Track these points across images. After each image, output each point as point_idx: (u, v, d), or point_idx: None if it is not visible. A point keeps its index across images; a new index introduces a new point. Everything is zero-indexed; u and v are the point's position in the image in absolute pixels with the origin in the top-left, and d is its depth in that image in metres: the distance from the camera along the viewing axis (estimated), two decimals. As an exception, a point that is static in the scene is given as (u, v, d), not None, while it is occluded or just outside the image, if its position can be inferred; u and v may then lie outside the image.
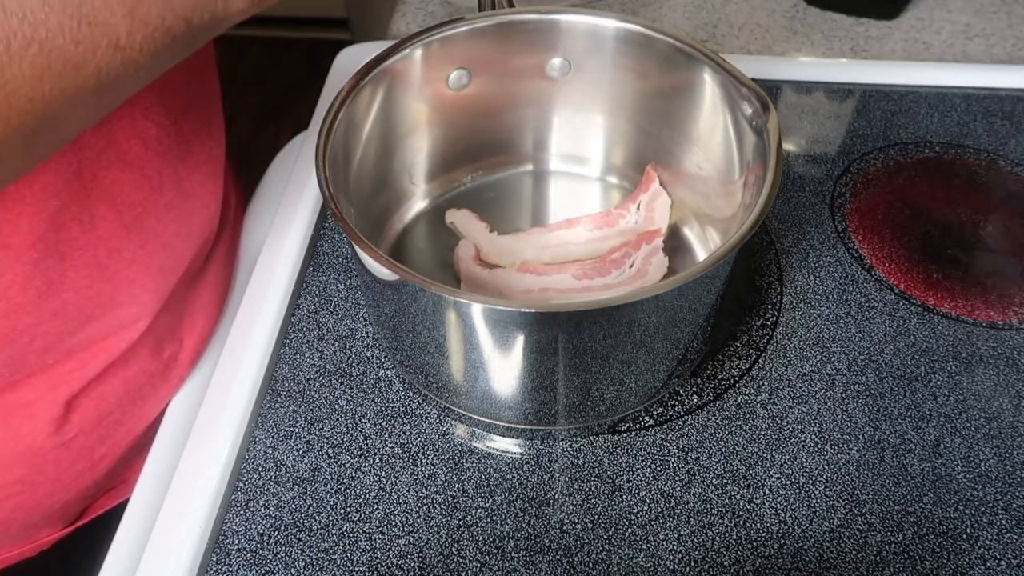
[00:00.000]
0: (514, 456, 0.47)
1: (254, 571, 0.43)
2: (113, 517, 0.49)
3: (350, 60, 0.70)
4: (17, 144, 0.30)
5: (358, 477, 0.46)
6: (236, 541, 0.44)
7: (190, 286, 0.55)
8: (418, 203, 0.58)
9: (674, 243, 0.55)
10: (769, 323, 0.53)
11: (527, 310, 0.39)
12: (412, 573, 0.43)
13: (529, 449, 0.48)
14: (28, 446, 0.47)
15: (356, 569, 0.43)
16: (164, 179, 0.48)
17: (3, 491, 0.48)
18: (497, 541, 0.44)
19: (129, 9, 0.30)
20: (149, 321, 0.50)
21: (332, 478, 0.46)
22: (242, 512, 0.45)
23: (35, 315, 0.43)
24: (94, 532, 0.55)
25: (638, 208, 0.56)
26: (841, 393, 0.50)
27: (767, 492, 0.46)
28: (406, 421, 0.49)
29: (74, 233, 0.43)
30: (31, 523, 0.51)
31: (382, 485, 0.46)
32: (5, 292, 0.41)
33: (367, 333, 0.53)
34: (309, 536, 0.44)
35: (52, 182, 0.40)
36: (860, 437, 0.48)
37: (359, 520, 0.45)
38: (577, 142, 0.59)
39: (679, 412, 0.49)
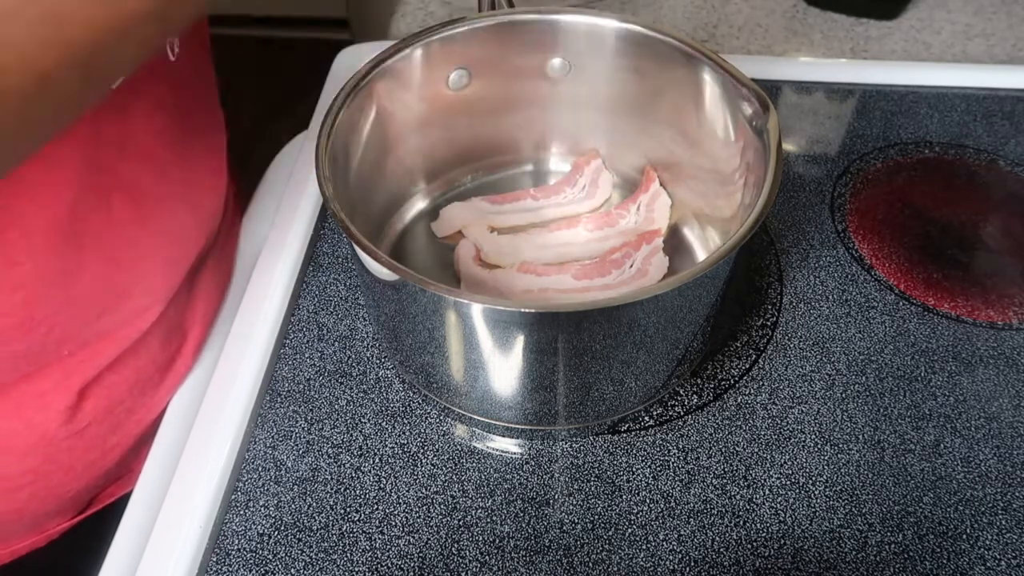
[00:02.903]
0: (514, 456, 0.47)
1: (254, 571, 0.43)
2: (120, 507, 0.49)
3: (350, 60, 0.70)
4: (74, 79, 0.30)
5: (358, 477, 0.46)
6: (236, 541, 0.44)
7: (193, 278, 0.55)
8: (418, 203, 0.58)
9: (674, 243, 0.55)
10: (769, 323, 0.53)
11: (527, 310, 0.39)
12: (412, 573, 0.43)
13: (529, 449, 0.48)
14: (42, 436, 0.47)
15: (356, 569, 0.43)
16: (174, 169, 0.49)
17: (17, 481, 0.48)
18: (497, 541, 0.44)
19: None
20: (160, 311, 0.50)
21: (332, 478, 0.46)
22: (242, 512, 0.45)
23: (53, 305, 0.43)
24: (102, 522, 0.55)
25: (638, 208, 0.56)
26: (841, 393, 0.50)
27: (767, 492, 0.46)
28: (406, 421, 0.49)
29: (91, 223, 0.43)
30: (43, 512, 0.51)
31: (382, 485, 0.46)
32: (24, 282, 0.41)
33: (367, 333, 0.53)
34: (309, 536, 0.44)
35: (70, 172, 0.41)
36: (860, 437, 0.48)
37: (359, 520, 0.45)
38: (577, 142, 0.59)
39: (679, 412, 0.49)
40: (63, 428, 0.48)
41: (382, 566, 0.43)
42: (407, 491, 0.46)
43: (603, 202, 0.57)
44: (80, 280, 0.44)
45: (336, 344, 0.52)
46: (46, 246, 0.41)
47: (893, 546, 0.44)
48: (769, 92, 0.45)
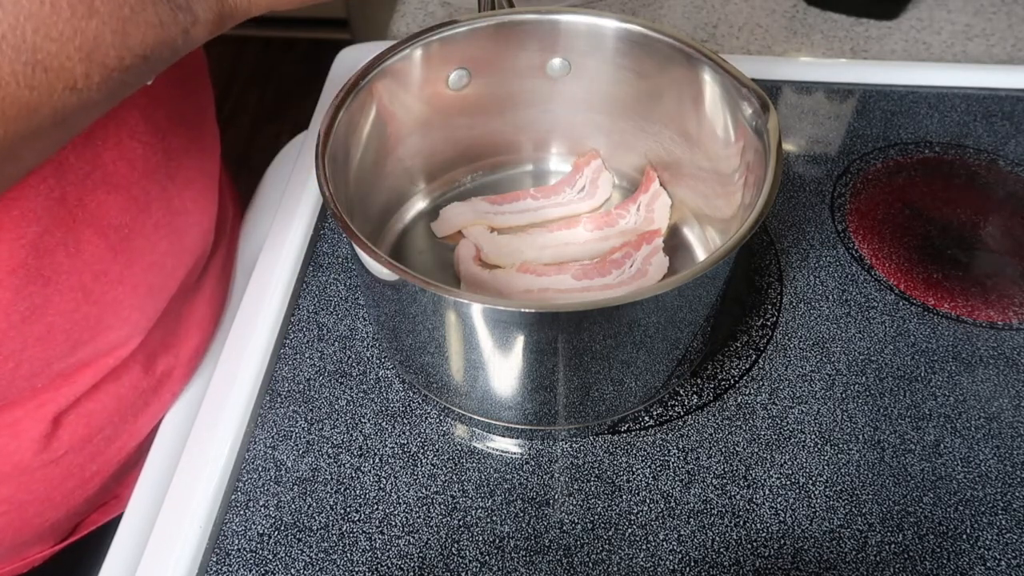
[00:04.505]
0: (514, 456, 0.47)
1: (254, 571, 0.43)
2: (106, 532, 0.48)
3: (350, 60, 0.70)
4: None
5: (358, 477, 0.46)
6: (236, 541, 0.44)
7: (184, 300, 0.54)
8: (418, 203, 0.58)
9: (674, 243, 0.55)
10: (769, 323, 0.53)
11: (527, 310, 0.39)
12: (412, 573, 0.43)
13: (529, 449, 0.48)
14: (15, 464, 0.46)
15: (356, 569, 0.43)
16: (152, 199, 0.47)
17: None
18: (497, 541, 0.44)
19: (86, 53, 0.29)
20: (140, 339, 0.49)
21: (332, 478, 0.46)
22: (242, 512, 0.45)
23: (20, 341, 0.42)
24: (86, 547, 0.53)
25: (638, 208, 0.56)
26: (841, 393, 0.50)
27: (767, 492, 0.46)
28: (406, 421, 0.49)
29: (58, 258, 0.42)
30: (21, 541, 0.50)
31: (382, 485, 0.46)
32: None
33: (367, 333, 0.53)
34: (309, 536, 0.44)
35: (33, 208, 0.39)
36: (860, 437, 0.48)
37: (359, 520, 0.45)
38: (577, 142, 0.59)
39: (679, 412, 0.49)
40: (38, 456, 0.47)
41: (382, 566, 0.43)
42: (407, 491, 0.46)
43: (603, 202, 0.57)
44: (48, 315, 0.43)
45: (336, 344, 0.52)
46: (9, 284, 0.40)
47: (893, 546, 0.44)
48: (769, 92, 0.45)
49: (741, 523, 0.45)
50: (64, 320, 0.44)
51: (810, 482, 0.46)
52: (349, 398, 0.50)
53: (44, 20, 0.28)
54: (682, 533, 0.44)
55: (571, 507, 0.45)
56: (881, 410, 0.49)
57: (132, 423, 0.52)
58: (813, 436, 0.48)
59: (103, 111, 0.33)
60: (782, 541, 0.44)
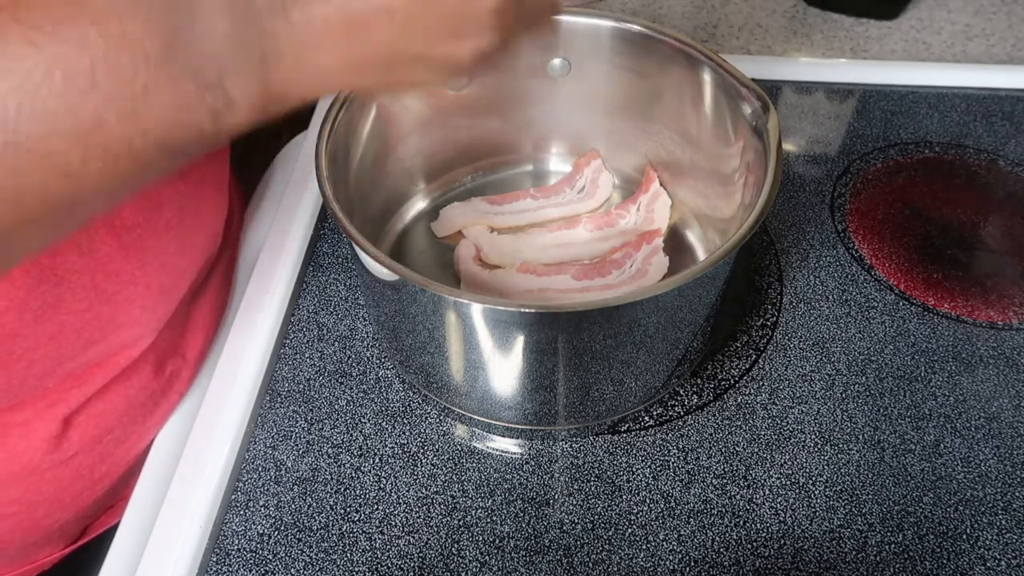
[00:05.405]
0: (514, 456, 0.47)
1: (254, 571, 0.43)
2: (113, 535, 0.48)
3: (350, 60, 0.70)
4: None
5: (358, 477, 0.46)
6: (236, 541, 0.44)
7: (191, 302, 0.54)
8: (418, 203, 0.58)
9: (674, 243, 0.55)
10: (769, 323, 0.53)
11: (527, 310, 0.39)
12: (412, 573, 0.43)
13: (529, 449, 0.48)
14: (25, 465, 0.46)
15: (356, 569, 0.43)
16: (164, 200, 0.47)
17: (0, 511, 0.47)
18: (497, 541, 0.44)
19: (79, 137, 0.26)
20: (150, 340, 0.49)
21: (332, 478, 0.46)
22: (242, 512, 0.45)
23: (32, 340, 0.42)
24: (94, 551, 0.53)
25: (638, 208, 0.56)
26: (841, 393, 0.50)
27: (767, 492, 0.46)
28: (406, 421, 0.49)
29: (71, 257, 0.42)
30: (30, 543, 0.50)
31: (382, 485, 0.46)
32: (0, 318, 0.40)
33: (367, 333, 0.53)
34: (309, 536, 0.44)
35: None
36: (860, 437, 0.48)
37: (359, 520, 0.45)
38: (577, 142, 0.59)
39: (679, 412, 0.49)
40: (48, 457, 0.46)
41: (382, 566, 0.43)
42: (407, 491, 0.46)
43: (603, 202, 0.57)
44: (60, 314, 0.42)
45: (336, 344, 0.52)
46: (22, 283, 0.40)
47: (893, 546, 0.44)
48: (769, 92, 0.45)
49: (741, 523, 0.45)
50: (76, 319, 0.44)
51: (810, 482, 0.46)
52: (349, 398, 0.50)
53: (29, 94, 0.25)
54: (682, 533, 0.44)
55: (571, 507, 0.45)
56: (881, 410, 0.49)
57: (141, 424, 0.52)
58: (813, 436, 0.48)
59: (120, 199, 0.30)
60: (782, 541, 0.44)
